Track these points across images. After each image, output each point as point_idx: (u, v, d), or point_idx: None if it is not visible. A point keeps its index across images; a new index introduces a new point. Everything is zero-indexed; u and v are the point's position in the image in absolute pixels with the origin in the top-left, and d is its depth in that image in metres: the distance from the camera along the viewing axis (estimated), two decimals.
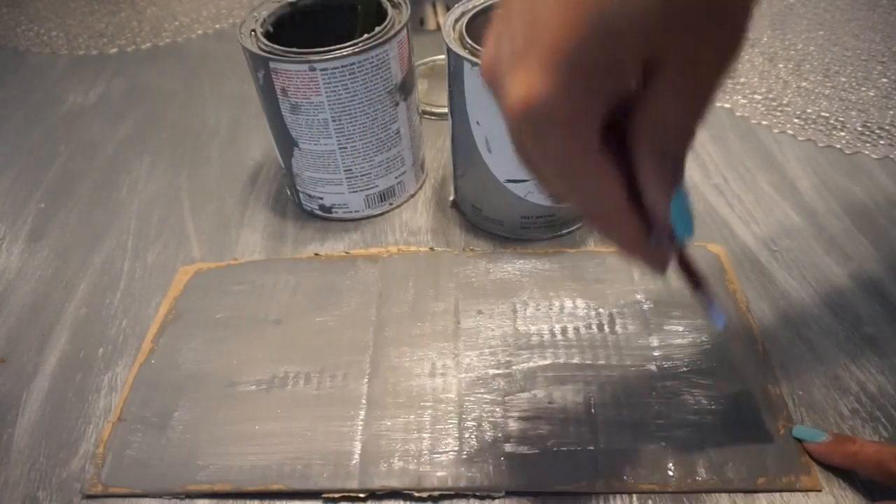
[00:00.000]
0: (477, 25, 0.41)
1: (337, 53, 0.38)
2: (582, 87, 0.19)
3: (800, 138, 0.51)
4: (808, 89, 0.57)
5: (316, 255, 0.44)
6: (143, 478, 0.33)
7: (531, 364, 0.36)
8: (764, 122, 0.53)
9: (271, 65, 0.39)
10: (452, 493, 0.31)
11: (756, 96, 0.56)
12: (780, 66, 0.60)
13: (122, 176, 0.53)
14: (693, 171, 0.49)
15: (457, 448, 0.33)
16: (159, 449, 0.34)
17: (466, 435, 0.33)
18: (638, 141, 0.21)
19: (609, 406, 0.34)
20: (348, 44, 0.39)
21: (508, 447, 0.33)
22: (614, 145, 0.21)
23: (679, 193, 0.22)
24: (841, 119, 0.53)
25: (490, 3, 0.41)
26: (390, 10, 0.42)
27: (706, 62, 0.19)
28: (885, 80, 0.57)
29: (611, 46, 0.18)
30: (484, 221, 0.44)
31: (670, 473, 0.31)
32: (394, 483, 0.32)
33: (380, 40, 0.39)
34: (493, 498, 0.31)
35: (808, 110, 0.54)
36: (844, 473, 0.31)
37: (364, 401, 0.35)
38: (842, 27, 0.64)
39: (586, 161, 0.21)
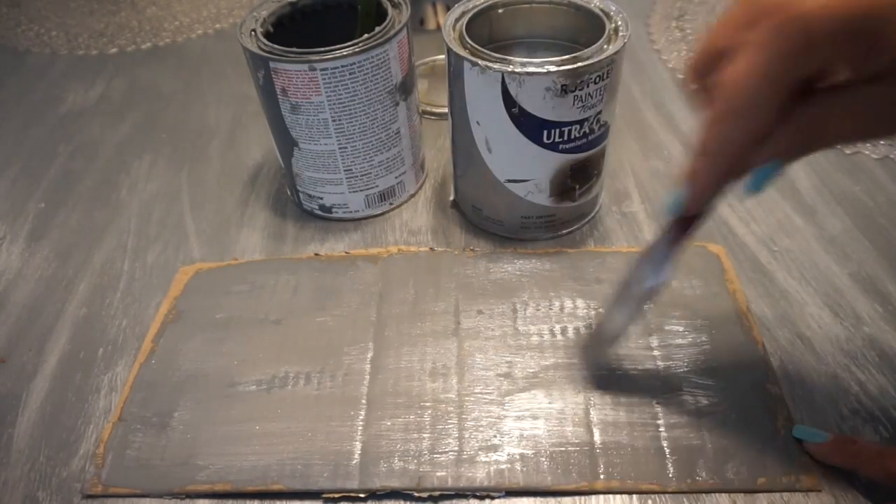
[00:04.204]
0: (477, 25, 0.41)
1: (337, 53, 0.38)
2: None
3: None
4: None
5: (316, 255, 0.44)
6: (143, 478, 0.33)
7: (531, 364, 0.36)
8: None
9: (271, 65, 0.39)
10: (452, 493, 0.31)
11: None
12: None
13: (122, 176, 0.53)
14: None
15: (457, 448, 0.33)
16: (159, 449, 0.34)
17: (466, 435, 0.33)
18: (810, 114, 0.23)
19: (609, 406, 0.34)
20: (348, 44, 0.39)
21: (508, 447, 0.33)
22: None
23: (779, 164, 0.25)
24: None
25: (490, 2, 0.41)
26: (390, 10, 0.42)
27: None
28: None
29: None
30: (484, 221, 0.44)
31: (670, 473, 0.31)
32: (394, 483, 0.32)
33: (380, 40, 0.39)
34: (493, 498, 0.31)
35: None
36: (844, 473, 0.31)
37: (364, 401, 0.35)
38: None
39: (777, 89, 0.23)
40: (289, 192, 0.49)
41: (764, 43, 0.22)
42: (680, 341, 0.37)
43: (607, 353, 0.36)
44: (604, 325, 0.34)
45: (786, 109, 0.23)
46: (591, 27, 0.39)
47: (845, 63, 0.22)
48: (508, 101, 0.36)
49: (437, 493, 0.31)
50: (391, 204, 0.47)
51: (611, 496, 0.31)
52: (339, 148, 0.42)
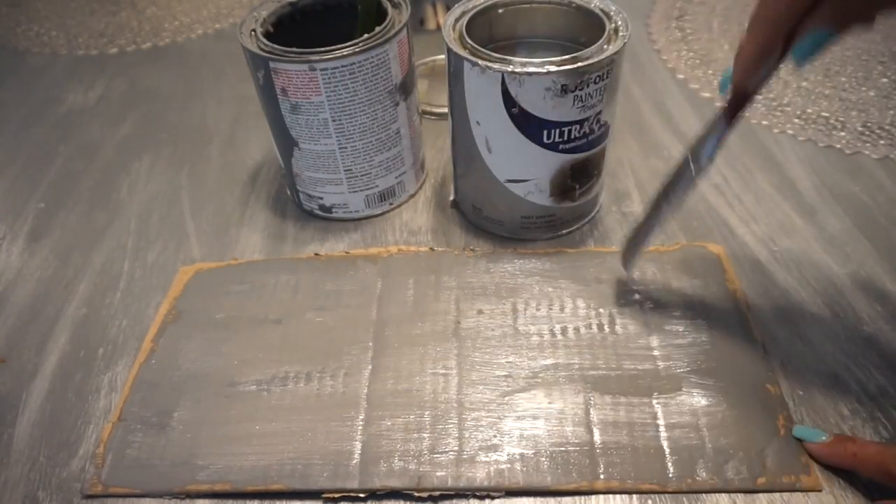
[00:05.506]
0: (477, 25, 0.41)
1: (337, 53, 0.38)
2: None
3: (800, 138, 0.51)
4: (808, 89, 0.57)
5: (316, 255, 0.44)
6: (143, 478, 0.33)
7: (531, 364, 0.36)
8: (764, 122, 0.53)
9: (271, 65, 0.39)
10: (452, 493, 0.31)
11: (756, 96, 0.56)
12: (780, 65, 0.60)
13: (122, 176, 0.53)
14: None
15: (457, 448, 0.33)
16: (159, 449, 0.34)
17: (466, 435, 0.33)
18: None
19: (609, 406, 0.34)
20: (348, 44, 0.39)
21: (508, 447, 0.33)
22: None
23: (825, 33, 0.27)
24: (841, 119, 0.53)
25: (490, 2, 0.41)
26: (390, 10, 0.42)
27: None
28: (885, 80, 0.57)
29: None
30: (484, 221, 0.44)
31: (670, 473, 0.31)
32: (394, 483, 0.32)
33: (380, 40, 0.39)
34: (493, 498, 0.31)
35: (808, 110, 0.54)
36: (844, 473, 0.31)
37: (364, 401, 0.35)
38: None
39: None
40: (289, 192, 0.49)
41: None
42: (680, 341, 0.37)
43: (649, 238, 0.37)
44: (660, 201, 0.36)
45: None
46: (591, 27, 0.39)
47: None
48: (508, 101, 0.36)
49: (437, 493, 0.31)
50: (391, 204, 0.47)
51: (611, 496, 0.31)
52: (339, 148, 0.42)
